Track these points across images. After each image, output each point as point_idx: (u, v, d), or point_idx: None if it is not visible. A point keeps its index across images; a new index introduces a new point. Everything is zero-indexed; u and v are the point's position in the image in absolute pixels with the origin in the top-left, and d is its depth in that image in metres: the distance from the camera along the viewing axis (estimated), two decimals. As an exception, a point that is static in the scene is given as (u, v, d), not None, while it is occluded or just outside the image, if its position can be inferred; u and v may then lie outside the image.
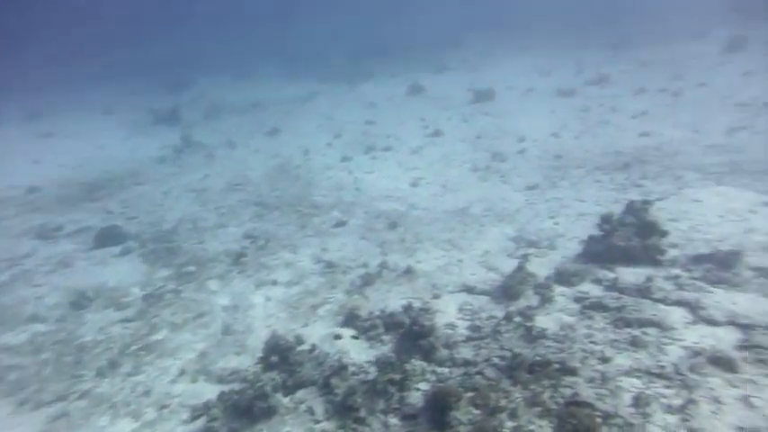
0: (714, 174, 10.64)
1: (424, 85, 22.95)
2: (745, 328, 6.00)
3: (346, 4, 47.21)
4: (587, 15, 31.31)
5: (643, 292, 7.08)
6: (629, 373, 5.60)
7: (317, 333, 7.45)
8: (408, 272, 8.86)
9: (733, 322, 6.14)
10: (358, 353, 6.86)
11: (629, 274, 7.56)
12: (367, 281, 8.76)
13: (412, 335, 6.77)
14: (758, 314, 6.18)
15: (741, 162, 10.89)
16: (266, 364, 6.61)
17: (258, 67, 35.27)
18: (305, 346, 7.03)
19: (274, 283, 9.18)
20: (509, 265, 8.28)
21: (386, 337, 7.10)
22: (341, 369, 6.40)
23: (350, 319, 7.62)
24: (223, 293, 9.10)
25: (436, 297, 7.99)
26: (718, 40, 20.86)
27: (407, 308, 7.44)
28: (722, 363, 5.46)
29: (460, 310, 7.56)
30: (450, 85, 23.27)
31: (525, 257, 8.56)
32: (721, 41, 20.49)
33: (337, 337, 7.28)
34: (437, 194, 12.44)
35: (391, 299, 8.10)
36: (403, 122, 18.86)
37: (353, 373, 6.40)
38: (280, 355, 6.65)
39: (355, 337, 7.24)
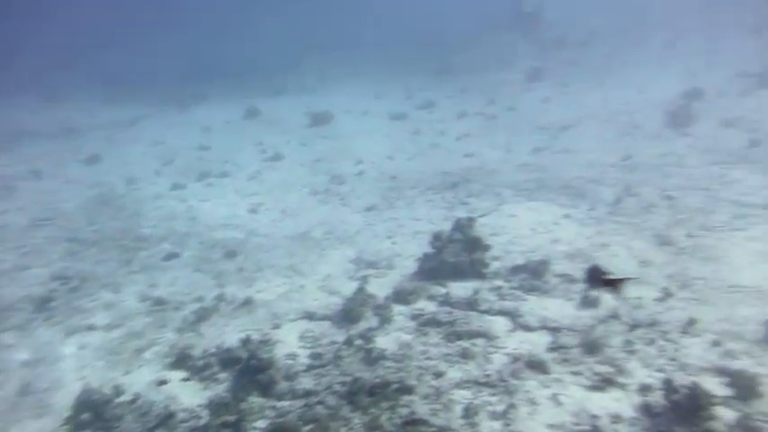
0: (525, 190, 11.86)
1: (261, 108, 22.56)
2: (554, 330, 6.70)
3: (175, 24, 44.51)
4: (413, 44, 33.50)
5: (471, 304, 7.55)
6: (459, 385, 5.89)
7: (141, 380, 6.71)
8: (247, 303, 8.46)
9: (545, 326, 6.81)
10: (189, 397, 6.30)
11: (459, 289, 8.02)
12: (201, 316, 8.17)
13: (250, 370, 6.42)
14: (563, 317, 6.95)
15: (545, 179, 12.32)
16: (75, 423, 5.75)
17: (72, 89, 31.69)
18: (125, 397, 6.28)
19: (90, 328, 8.12)
20: (350, 288, 8.31)
21: (222, 376, 6.65)
22: (168, 418, 5.82)
23: (181, 359, 7.01)
24: (22, 346, 7.79)
25: (277, 327, 7.72)
26: (521, 71, 23.66)
27: (245, 341, 7.05)
28: (536, 365, 6.01)
29: (302, 338, 7.38)
30: (288, 108, 23.19)
31: (365, 279, 8.68)
32: (524, 71, 23.27)
33: (163, 382, 6.62)
34: (277, 220, 12.17)
35: (228, 333, 7.65)
36: (240, 147, 18.27)
37: (183, 421, 5.85)
38: (93, 410, 5.84)
39: (186, 380, 6.66)
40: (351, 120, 20.50)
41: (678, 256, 8.10)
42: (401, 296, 7.99)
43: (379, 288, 8.35)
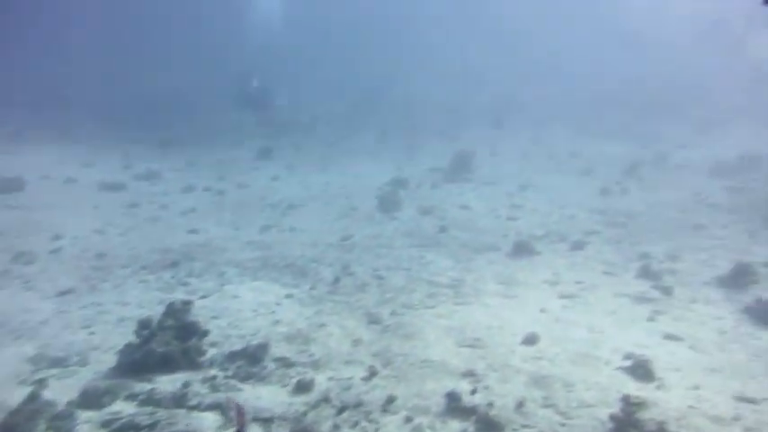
0: (250, 269, 11.63)
1: None
2: (266, 421, 6.36)
3: None
4: (136, 110, 31.39)
5: (179, 400, 6.76)
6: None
7: None
8: None
9: (257, 418, 6.41)
10: None
11: (168, 383, 7.16)
12: None
13: None
14: (277, 405, 6.68)
15: (270, 257, 12.33)
16: None
17: None
18: None
19: None
20: (21, 396, 6.63)
21: None
22: None
23: None
24: None
25: None
26: (251, 149, 24.08)
27: None
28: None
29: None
30: (-39, 169, 18.79)
31: (42, 382, 7.11)
32: (254, 150, 23.76)
33: None
34: None
35: None
36: None
37: None
38: None
39: None
40: (50, 188, 17.63)
41: (384, 334, 8.75)
42: (91, 399, 6.73)
43: (64, 391, 6.93)
